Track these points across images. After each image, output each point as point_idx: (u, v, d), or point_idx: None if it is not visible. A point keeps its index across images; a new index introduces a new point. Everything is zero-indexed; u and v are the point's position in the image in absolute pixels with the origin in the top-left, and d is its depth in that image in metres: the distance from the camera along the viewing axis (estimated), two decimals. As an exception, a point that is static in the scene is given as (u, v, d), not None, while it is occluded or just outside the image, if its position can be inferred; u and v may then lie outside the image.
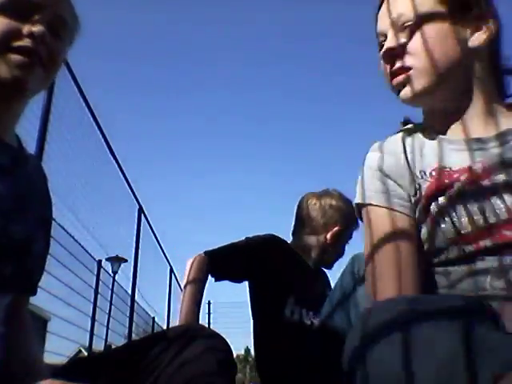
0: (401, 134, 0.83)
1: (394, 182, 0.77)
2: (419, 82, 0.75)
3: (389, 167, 0.78)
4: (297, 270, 1.53)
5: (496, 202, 0.67)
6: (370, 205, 0.78)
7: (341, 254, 1.64)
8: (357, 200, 0.81)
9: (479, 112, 0.75)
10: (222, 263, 1.47)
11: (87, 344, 5.31)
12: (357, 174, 0.85)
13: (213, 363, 0.69)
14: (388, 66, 0.78)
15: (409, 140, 0.81)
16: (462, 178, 0.70)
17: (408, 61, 0.75)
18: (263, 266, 1.48)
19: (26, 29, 0.69)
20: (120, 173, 5.03)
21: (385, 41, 0.79)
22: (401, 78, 0.76)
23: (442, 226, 0.70)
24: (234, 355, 0.90)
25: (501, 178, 0.68)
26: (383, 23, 0.80)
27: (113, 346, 5.97)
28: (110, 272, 6.69)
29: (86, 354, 6.55)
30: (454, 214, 0.69)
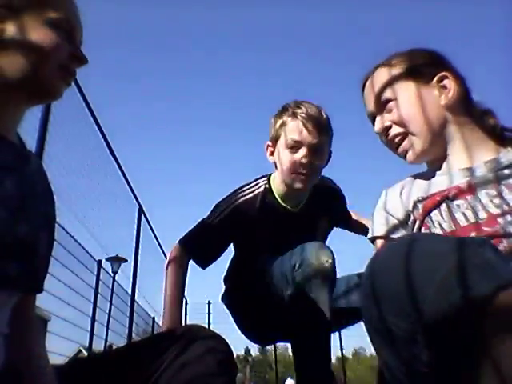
0: (402, 182, 1.00)
1: (392, 216, 0.94)
2: (419, 144, 0.91)
3: (388, 205, 0.96)
4: (275, 222, 1.43)
5: (477, 206, 0.80)
6: (377, 237, 0.95)
7: (291, 169, 1.36)
8: (368, 236, 0.98)
9: (465, 149, 0.89)
10: (201, 250, 1.43)
11: (87, 344, 5.31)
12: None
13: (213, 364, 0.69)
14: (384, 138, 0.96)
15: (409, 183, 0.97)
16: (451, 194, 0.84)
17: (398, 129, 0.93)
18: (239, 231, 1.44)
19: (73, 50, 0.79)
20: (120, 173, 5.03)
21: (374, 119, 0.97)
22: (401, 149, 0.93)
23: (433, 230, 0.84)
24: (234, 355, 0.90)
25: (484, 192, 0.81)
26: (369, 106, 0.98)
27: (114, 346, 5.97)
28: (110, 272, 6.69)
29: (85, 354, 6.55)
30: (441, 219, 0.83)
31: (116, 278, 6.72)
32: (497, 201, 0.79)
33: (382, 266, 0.54)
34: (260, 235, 1.43)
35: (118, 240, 5.90)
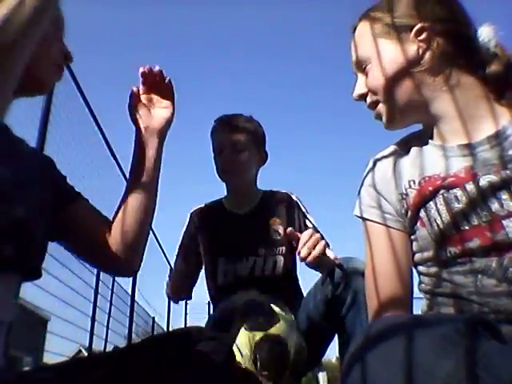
0: (394, 147, 0.86)
1: (384, 198, 0.81)
2: (387, 114, 0.80)
3: (379, 183, 0.83)
4: (222, 227, 1.56)
5: (480, 204, 0.68)
6: (366, 219, 0.83)
7: (220, 169, 1.55)
8: (355, 212, 0.86)
9: (466, 117, 0.75)
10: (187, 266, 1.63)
11: (87, 344, 5.31)
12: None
13: (213, 366, 0.69)
14: (364, 103, 0.84)
15: (402, 152, 0.84)
16: (446, 183, 0.72)
17: (372, 97, 0.82)
18: (200, 236, 1.59)
19: (63, 48, 0.82)
20: (120, 173, 5.03)
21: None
22: (375, 113, 0.83)
23: (429, 229, 0.72)
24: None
25: (485, 180, 0.69)
26: (352, 64, 0.87)
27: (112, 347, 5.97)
28: (110, 272, 6.68)
29: (85, 353, 6.55)
30: (438, 217, 0.71)
31: (116, 278, 6.72)
32: (502, 195, 0.67)
33: (376, 356, 0.47)
34: (215, 238, 1.56)
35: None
